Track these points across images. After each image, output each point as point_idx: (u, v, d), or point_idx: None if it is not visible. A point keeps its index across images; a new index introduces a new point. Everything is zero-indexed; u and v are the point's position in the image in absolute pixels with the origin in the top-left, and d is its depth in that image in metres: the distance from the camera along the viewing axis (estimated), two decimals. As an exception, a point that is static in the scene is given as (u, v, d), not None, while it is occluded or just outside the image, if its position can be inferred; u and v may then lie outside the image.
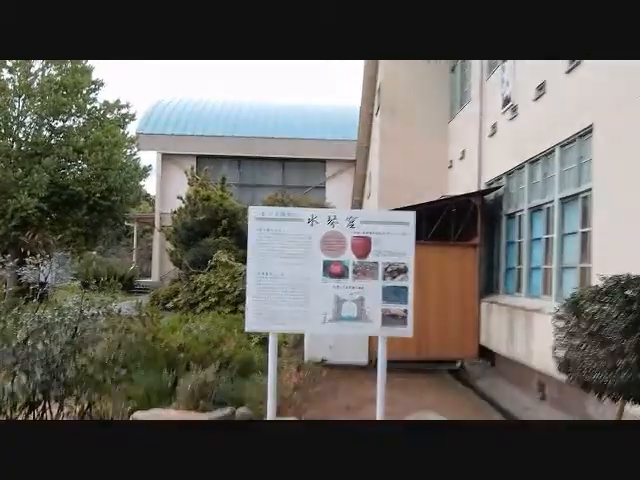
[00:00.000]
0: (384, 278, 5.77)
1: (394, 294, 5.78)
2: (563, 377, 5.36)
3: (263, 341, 9.57)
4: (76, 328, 5.22)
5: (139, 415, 5.44)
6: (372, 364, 10.20)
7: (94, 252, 27.71)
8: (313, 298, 5.69)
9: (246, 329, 5.88)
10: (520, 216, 11.01)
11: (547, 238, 9.83)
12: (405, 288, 5.80)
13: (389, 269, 5.80)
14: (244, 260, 6.06)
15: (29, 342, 4.97)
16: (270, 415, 5.65)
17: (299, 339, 11.59)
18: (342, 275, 5.72)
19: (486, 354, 11.87)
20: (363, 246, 5.79)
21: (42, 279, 7.36)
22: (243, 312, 5.51)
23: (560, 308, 5.32)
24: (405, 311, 5.79)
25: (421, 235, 10.70)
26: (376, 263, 5.78)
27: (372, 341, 10.79)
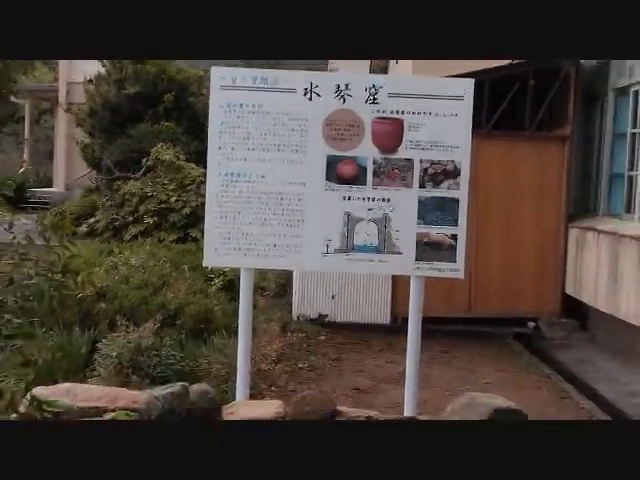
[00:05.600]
0: (422, 185, 3.97)
1: (437, 210, 3.96)
2: None
3: (229, 285, 6.96)
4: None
5: (41, 392, 3.56)
6: (398, 323, 7.30)
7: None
8: (310, 216, 3.95)
9: (205, 264, 4.23)
10: (639, 92, 7.31)
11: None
12: (455, 201, 3.97)
13: (431, 171, 3.95)
14: (200, 158, 4.21)
15: None
16: (240, 396, 3.95)
17: (285, 283, 8.00)
18: (356, 180, 3.96)
19: (574, 310, 8.06)
20: (391, 134, 3.95)
21: None
22: (197, 240, 3.77)
23: None
24: (454, 237, 3.97)
25: (481, 122, 7.46)
26: (410, 161, 3.95)
27: (399, 287, 7.37)
